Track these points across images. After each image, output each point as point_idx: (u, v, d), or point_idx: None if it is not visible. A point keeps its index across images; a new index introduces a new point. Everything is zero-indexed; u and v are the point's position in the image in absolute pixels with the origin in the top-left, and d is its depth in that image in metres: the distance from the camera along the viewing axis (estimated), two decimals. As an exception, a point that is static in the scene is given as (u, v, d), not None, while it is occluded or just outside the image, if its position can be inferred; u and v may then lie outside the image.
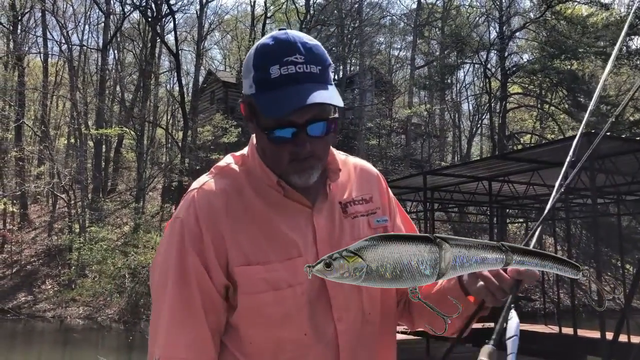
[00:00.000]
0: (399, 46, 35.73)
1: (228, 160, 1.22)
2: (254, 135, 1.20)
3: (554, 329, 12.23)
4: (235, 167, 1.19)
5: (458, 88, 33.92)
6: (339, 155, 1.26)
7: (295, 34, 1.10)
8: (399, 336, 10.17)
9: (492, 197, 10.56)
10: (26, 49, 28.45)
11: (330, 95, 1.06)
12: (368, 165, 1.32)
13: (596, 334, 10.51)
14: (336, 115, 1.12)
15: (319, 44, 1.12)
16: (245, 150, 1.23)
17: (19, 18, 27.09)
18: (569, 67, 24.30)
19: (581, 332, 9.73)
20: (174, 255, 1.09)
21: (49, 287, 20.58)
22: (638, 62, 24.67)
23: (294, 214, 1.15)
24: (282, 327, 1.09)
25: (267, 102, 1.06)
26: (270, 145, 1.11)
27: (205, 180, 1.17)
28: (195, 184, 1.17)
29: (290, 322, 1.09)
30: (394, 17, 34.26)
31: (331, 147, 1.20)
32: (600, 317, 6.63)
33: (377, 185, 1.29)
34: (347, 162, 1.28)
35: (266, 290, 1.08)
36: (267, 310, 1.08)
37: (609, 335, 10.34)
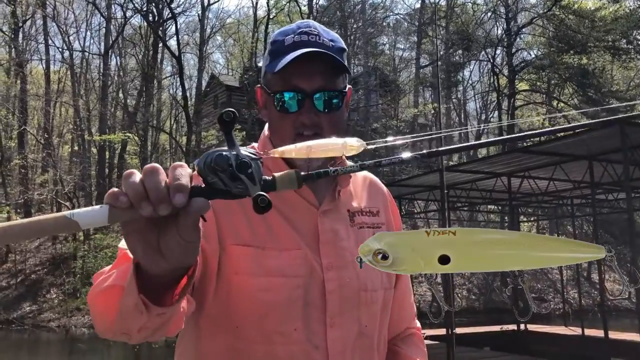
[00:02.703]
0: (402, 46, 35.43)
1: None
2: (266, 126, 1.20)
3: (576, 331, 11.81)
4: None
5: (464, 86, 33.57)
6: None
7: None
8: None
9: (511, 194, 10.15)
10: (28, 56, 28.31)
11: (336, 57, 1.06)
12: (377, 180, 1.33)
13: (620, 335, 10.09)
14: (346, 89, 1.12)
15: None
16: (254, 144, 1.21)
17: (20, 25, 26.94)
18: (578, 62, 23.88)
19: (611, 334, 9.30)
20: None
21: (54, 296, 20.30)
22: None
23: (298, 209, 1.13)
24: (273, 315, 1.06)
25: (273, 63, 1.09)
26: (276, 115, 1.11)
27: None
28: None
29: (281, 312, 1.07)
30: (397, 16, 33.93)
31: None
32: (639, 318, 6.20)
33: (384, 202, 1.30)
34: (357, 173, 1.27)
35: (259, 274, 1.06)
36: (258, 295, 1.06)
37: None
